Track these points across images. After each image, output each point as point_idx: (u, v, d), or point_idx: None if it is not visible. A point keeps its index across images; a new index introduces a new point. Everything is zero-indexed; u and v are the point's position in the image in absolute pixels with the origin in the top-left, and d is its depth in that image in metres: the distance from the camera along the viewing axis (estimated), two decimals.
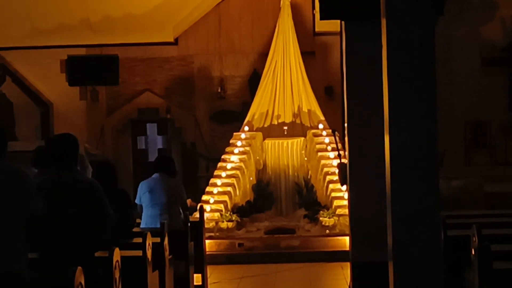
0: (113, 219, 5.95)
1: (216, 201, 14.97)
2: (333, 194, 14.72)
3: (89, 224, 5.78)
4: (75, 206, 5.75)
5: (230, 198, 15.19)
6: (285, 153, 15.91)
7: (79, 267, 4.90)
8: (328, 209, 14.58)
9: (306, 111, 16.43)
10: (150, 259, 7.00)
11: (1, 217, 4.75)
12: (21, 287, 4.72)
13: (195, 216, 10.84)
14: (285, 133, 16.22)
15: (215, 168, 16.05)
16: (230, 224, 14.56)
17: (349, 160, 7.70)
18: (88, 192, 5.83)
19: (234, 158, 15.82)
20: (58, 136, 6.05)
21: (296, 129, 16.34)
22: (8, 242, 4.74)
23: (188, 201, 12.12)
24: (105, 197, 5.94)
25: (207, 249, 11.01)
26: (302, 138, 16.06)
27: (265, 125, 16.46)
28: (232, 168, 15.63)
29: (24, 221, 4.86)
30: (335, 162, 14.52)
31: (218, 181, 15.38)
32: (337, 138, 10.59)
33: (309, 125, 16.32)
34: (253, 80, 17.79)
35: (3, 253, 4.71)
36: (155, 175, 9.45)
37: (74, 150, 5.89)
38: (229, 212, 14.78)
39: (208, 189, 15.36)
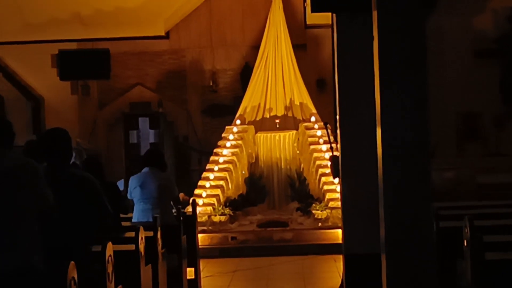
0: (110, 211, 5.96)
1: (208, 195, 14.97)
2: (326, 187, 14.73)
3: (85, 218, 5.78)
4: (71, 201, 5.75)
5: (223, 191, 15.19)
6: (277, 146, 15.92)
7: (72, 262, 4.90)
8: (320, 202, 14.59)
9: (298, 104, 16.44)
10: (143, 253, 7.00)
11: (19, 210, 4.75)
12: (38, 281, 4.73)
13: (188, 210, 10.83)
14: (277, 126, 16.23)
15: (207, 161, 16.05)
16: (223, 218, 14.57)
17: (341, 153, 7.70)
18: (83, 186, 5.83)
19: (226, 151, 15.82)
20: (49, 131, 6.04)
21: (288, 122, 16.35)
22: (26, 235, 4.75)
23: (181, 195, 12.12)
24: (101, 191, 5.94)
25: (200, 243, 11.01)
26: (294, 131, 16.07)
27: (257, 119, 16.46)
28: (225, 162, 15.64)
29: (40, 214, 4.87)
30: (327, 154, 14.54)
31: (211, 175, 15.39)
32: (329, 130, 10.59)
33: (301, 118, 16.32)
34: (245, 73, 17.77)
35: (21, 246, 4.72)
36: (145, 170, 9.43)
37: (67, 145, 5.88)
38: (221, 206, 14.79)
39: (200, 182, 15.36)
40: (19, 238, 4.74)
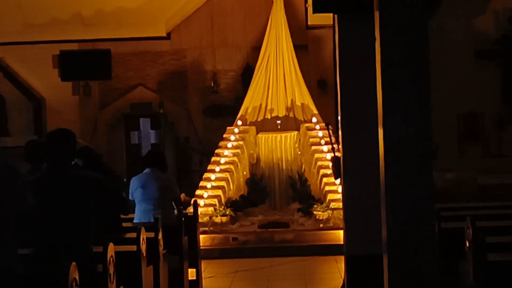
0: (123, 198, 5.96)
1: (210, 196, 14.96)
2: (327, 188, 14.72)
3: (86, 219, 5.77)
4: (71, 202, 5.74)
5: (224, 192, 15.19)
6: (279, 147, 15.91)
7: (73, 263, 4.89)
8: (322, 203, 14.58)
9: (300, 104, 16.43)
10: (144, 254, 6.99)
11: None
12: (14, 284, 4.71)
13: (189, 211, 10.83)
14: (279, 127, 16.22)
15: (208, 162, 16.04)
16: (224, 219, 14.56)
17: (343, 154, 7.69)
18: (85, 187, 5.82)
19: (227, 152, 15.82)
20: (53, 132, 6.02)
21: (290, 122, 16.34)
22: (4, 238, 4.72)
23: (182, 195, 12.12)
24: (105, 184, 5.95)
25: (201, 244, 11.01)
26: (296, 132, 16.06)
27: (259, 119, 16.46)
28: (226, 163, 15.63)
29: (16, 218, 4.84)
30: (329, 155, 14.53)
31: (212, 176, 15.38)
32: (330, 131, 10.60)
33: (302, 119, 16.32)
34: (246, 74, 17.77)
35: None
36: (146, 170, 9.43)
37: (70, 145, 5.87)
38: (223, 207, 14.78)
39: (202, 183, 15.36)
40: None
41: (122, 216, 8.12)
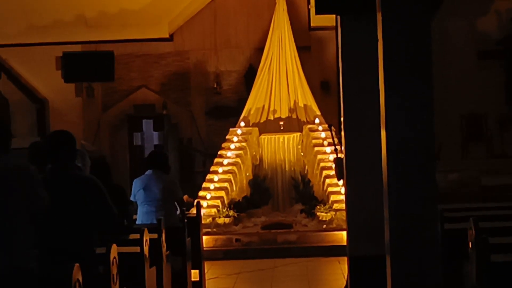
0: (116, 213, 5.95)
1: (213, 197, 14.97)
2: (330, 189, 14.72)
3: (89, 220, 5.77)
4: (74, 203, 5.74)
5: (227, 193, 15.19)
6: (282, 148, 15.91)
7: (77, 264, 4.90)
8: (325, 204, 14.58)
9: (302, 106, 16.43)
10: (147, 255, 7.00)
11: (11, 214, 4.75)
12: (31, 283, 4.73)
13: (192, 212, 10.83)
14: (282, 128, 16.22)
15: (211, 163, 16.05)
16: (227, 220, 14.57)
17: (346, 155, 7.69)
18: (87, 189, 5.82)
19: (230, 153, 15.82)
20: (53, 134, 6.04)
21: (292, 124, 16.34)
22: (17, 238, 4.75)
23: (185, 197, 12.12)
24: (105, 192, 5.94)
25: (204, 245, 11.01)
26: (298, 133, 16.06)
27: (261, 120, 16.45)
28: (229, 164, 15.63)
29: (33, 216, 4.86)
30: (332, 156, 14.52)
31: (215, 177, 15.38)
32: (333, 132, 10.58)
33: (305, 120, 16.32)
34: (249, 75, 17.77)
35: (13, 249, 4.72)
36: (148, 172, 9.41)
37: (70, 147, 5.88)
38: (226, 208, 14.78)
39: (205, 184, 15.36)
40: (12, 241, 4.73)
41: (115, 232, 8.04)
